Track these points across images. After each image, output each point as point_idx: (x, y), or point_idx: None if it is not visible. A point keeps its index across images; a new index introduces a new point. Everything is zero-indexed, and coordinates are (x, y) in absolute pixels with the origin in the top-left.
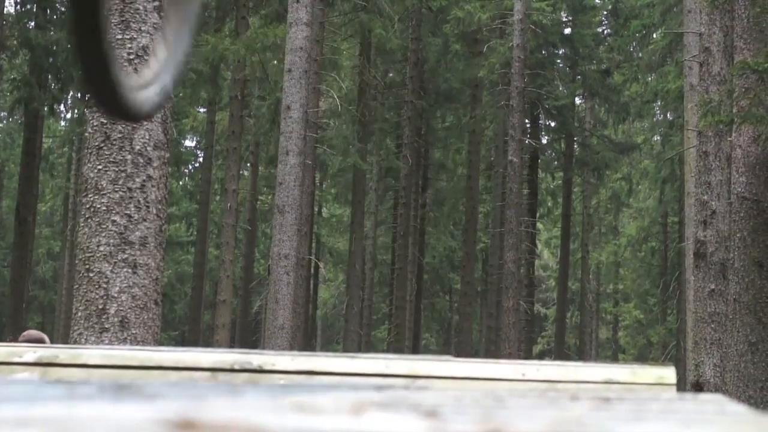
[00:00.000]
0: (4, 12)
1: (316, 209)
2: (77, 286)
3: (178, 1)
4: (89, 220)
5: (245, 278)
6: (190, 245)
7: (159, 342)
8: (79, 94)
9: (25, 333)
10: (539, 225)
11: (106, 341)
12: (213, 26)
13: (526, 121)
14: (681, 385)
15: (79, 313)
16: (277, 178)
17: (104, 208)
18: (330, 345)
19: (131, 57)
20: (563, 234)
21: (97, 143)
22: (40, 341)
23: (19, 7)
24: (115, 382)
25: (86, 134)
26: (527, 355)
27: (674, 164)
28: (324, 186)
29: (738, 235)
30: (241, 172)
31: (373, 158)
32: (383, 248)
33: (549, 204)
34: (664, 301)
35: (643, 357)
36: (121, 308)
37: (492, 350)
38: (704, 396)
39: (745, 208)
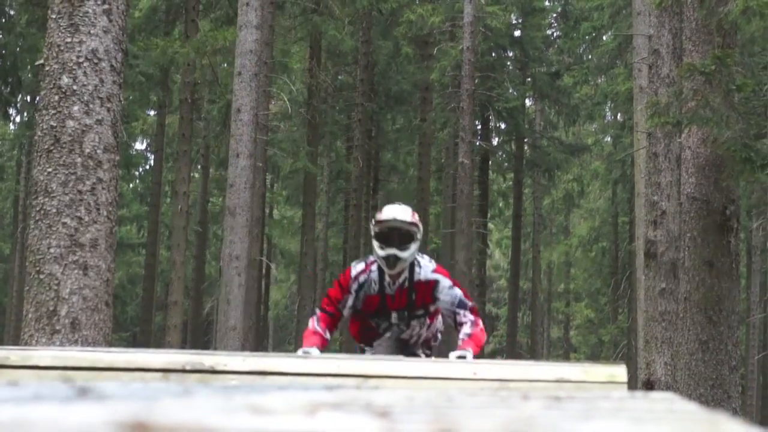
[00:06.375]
0: None
1: (267, 211)
2: (28, 288)
3: None
4: (39, 223)
5: (196, 279)
6: (141, 247)
7: (110, 343)
8: (28, 98)
9: None
10: (490, 225)
11: (57, 343)
12: (163, 29)
13: (477, 123)
14: (632, 384)
15: (30, 315)
16: (227, 180)
17: (54, 210)
18: (282, 346)
19: (80, 60)
20: (514, 234)
21: (46, 146)
22: None
23: None
24: (66, 383)
25: (36, 137)
26: (479, 355)
27: (625, 165)
28: (275, 188)
29: (688, 234)
30: (191, 174)
31: (324, 160)
32: (335, 249)
33: (500, 205)
34: (615, 301)
35: (594, 356)
36: (72, 310)
37: (444, 350)
38: (655, 394)
39: (695, 208)
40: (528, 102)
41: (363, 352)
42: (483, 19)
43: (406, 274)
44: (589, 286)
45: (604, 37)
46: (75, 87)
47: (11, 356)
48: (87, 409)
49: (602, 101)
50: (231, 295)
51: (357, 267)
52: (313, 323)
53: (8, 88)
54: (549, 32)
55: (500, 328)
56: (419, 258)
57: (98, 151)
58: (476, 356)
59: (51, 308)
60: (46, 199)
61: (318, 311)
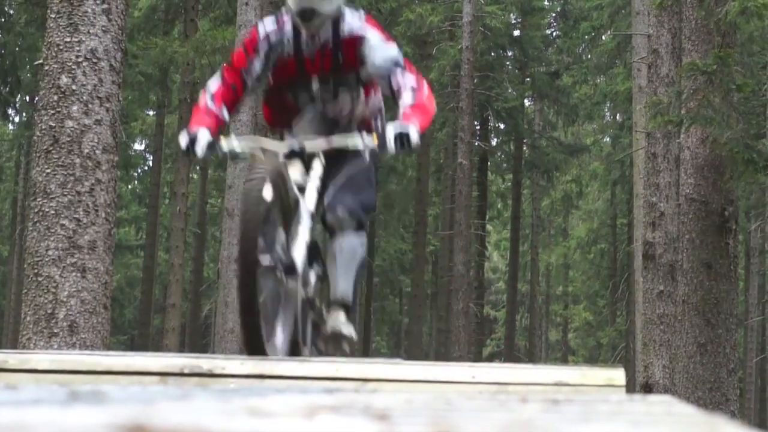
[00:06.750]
0: None
1: None
2: (26, 290)
3: None
4: (38, 224)
5: (195, 282)
6: (139, 249)
7: (108, 346)
8: (27, 98)
9: None
10: (489, 227)
11: (55, 346)
12: (162, 29)
13: (476, 123)
14: (630, 387)
15: (28, 318)
16: (226, 181)
17: (53, 212)
18: None
19: (80, 60)
20: (513, 236)
21: (45, 147)
22: None
23: None
24: (64, 387)
25: (34, 138)
26: (477, 358)
27: (624, 166)
28: None
29: (686, 236)
30: (190, 175)
31: None
32: None
33: (499, 206)
34: (614, 303)
35: (592, 359)
36: (70, 313)
37: (442, 353)
38: (653, 397)
39: (693, 209)
40: (527, 102)
41: (282, 139)
42: (482, 19)
43: (328, 30)
44: (587, 289)
45: (604, 37)
46: (74, 87)
47: (9, 359)
48: (86, 412)
49: (601, 101)
50: (229, 297)
51: (267, 25)
52: (204, 99)
53: (7, 88)
54: (548, 32)
55: (498, 330)
56: (346, 12)
57: (97, 152)
58: (423, 134)
59: (49, 311)
60: (45, 201)
61: (212, 82)
